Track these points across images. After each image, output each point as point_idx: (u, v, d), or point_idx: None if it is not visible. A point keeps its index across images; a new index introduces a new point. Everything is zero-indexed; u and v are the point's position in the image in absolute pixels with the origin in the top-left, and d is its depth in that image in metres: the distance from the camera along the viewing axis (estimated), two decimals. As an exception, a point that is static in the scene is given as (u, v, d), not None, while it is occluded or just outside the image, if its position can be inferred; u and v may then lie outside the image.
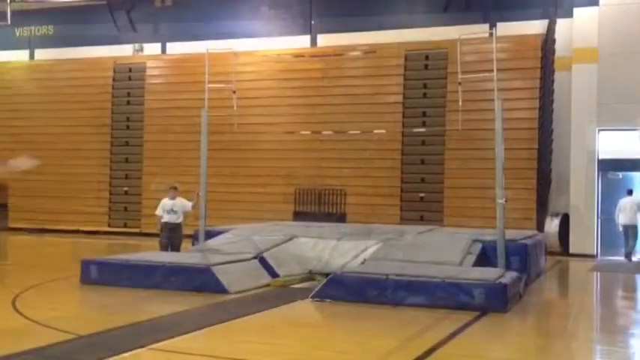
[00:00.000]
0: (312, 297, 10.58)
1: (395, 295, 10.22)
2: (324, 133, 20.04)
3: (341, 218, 19.63)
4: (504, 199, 12.06)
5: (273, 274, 12.34)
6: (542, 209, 18.80)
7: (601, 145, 18.51)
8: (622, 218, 17.61)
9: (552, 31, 19.15)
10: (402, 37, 20.42)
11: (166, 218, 14.26)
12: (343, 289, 10.49)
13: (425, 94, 20.15)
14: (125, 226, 22.78)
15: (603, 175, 18.67)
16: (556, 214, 18.82)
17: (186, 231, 14.70)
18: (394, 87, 20.43)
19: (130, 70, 23.52)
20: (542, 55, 19.05)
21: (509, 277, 10.73)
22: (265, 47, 21.83)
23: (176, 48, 23.27)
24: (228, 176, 20.92)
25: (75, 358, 7.19)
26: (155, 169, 22.22)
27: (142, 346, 7.42)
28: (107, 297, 10.88)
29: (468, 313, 9.54)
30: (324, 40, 21.65)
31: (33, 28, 25.11)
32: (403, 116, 20.18)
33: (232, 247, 13.08)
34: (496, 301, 9.90)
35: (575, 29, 18.83)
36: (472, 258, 12.19)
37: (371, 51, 20.77)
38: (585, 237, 18.41)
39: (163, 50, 23.75)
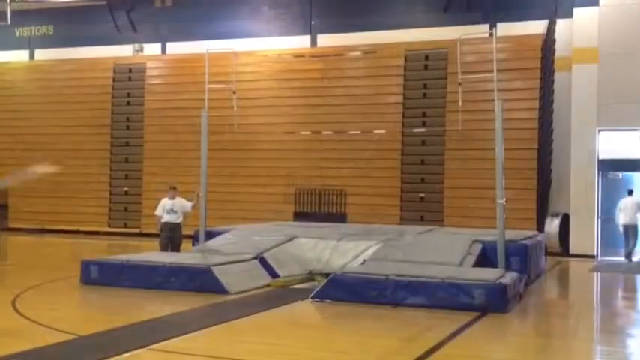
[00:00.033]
0: (312, 297, 10.58)
1: (395, 296, 10.22)
2: (324, 133, 20.06)
3: (341, 218, 19.62)
4: (504, 200, 12.06)
5: (274, 275, 12.34)
6: (543, 209, 18.80)
7: (601, 146, 18.50)
8: (622, 218, 17.62)
9: (552, 32, 19.15)
10: (402, 37, 20.41)
11: (166, 218, 14.26)
12: (343, 289, 10.49)
13: (425, 94, 20.14)
14: (125, 226, 22.77)
15: (603, 175, 18.65)
16: (556, 215, 18.82)
17: (186, 231, 14.69)
18: (394, 87, 20.43)
19: (130, 71, 23.50)
20: (542, 56, 19.04)
21: (510, 277, 10.73)
22: (265, 47, 21.82)
23: (176, 48, 23.25)
24: (228, 176, 20.92)
25: (75, 358, 7.20)
26: (155, 169, 22.25)
27: (142, 346, 7.43)
28: (107, 297, 10.90)
29: (468, 314, 9.54)
30: (324, 41, 21.63)
31: (33, 28, 25.10)
32: (403, 116, 20.17)
33: (232, 248, 13.09)
34: (496, 302, 9.90)
35: (575, 29, 18.82)
36: (472, 258, 12.19)
37: (371, 51, 20.76)
38: (585, 237, 18.40)
39: (163, 50, 23.75)
